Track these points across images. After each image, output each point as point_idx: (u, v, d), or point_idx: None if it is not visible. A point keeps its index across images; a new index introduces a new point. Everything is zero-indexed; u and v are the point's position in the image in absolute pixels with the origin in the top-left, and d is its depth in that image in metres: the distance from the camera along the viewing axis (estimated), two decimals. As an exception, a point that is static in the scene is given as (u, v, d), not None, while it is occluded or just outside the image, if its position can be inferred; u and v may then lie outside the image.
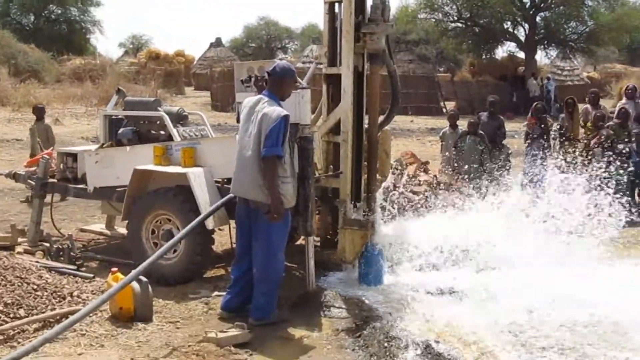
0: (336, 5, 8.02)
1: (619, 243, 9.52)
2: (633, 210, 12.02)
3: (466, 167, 12.31)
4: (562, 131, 13.37)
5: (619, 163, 11.72)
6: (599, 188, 9.36)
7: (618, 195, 10.13)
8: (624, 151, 11.92)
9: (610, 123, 12.88)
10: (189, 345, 6.20)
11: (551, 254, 8.72)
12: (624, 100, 14.17)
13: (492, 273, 8.55)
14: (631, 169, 11.95)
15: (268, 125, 6.42)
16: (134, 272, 6.48)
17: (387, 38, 8.04)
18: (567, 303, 7.49)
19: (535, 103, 13.87)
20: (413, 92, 35.84)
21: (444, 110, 36.16)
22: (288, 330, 6.70)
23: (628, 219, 11.45)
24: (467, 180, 12.30)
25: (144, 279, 6.73)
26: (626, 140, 12.54)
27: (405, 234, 8.34)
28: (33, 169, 9.54)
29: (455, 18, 42.36)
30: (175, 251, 7.80)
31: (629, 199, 11.88)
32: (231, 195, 7.18)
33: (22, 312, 6.52)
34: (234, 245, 7.40)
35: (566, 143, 12.92)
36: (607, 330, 6.70)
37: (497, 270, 8.65)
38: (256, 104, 6.70)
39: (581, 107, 14.24)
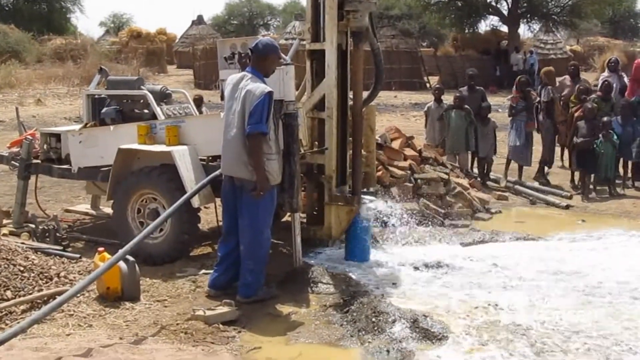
0: (319, -20, 7.98)
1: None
2: (617, 182, 12.17)
3: (452, 141, 12.35)
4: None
5: (602, 136, 11.80)
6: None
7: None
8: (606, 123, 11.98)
9: (593, 96, 12.92)
10: (177, 324, 6.21)
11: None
12: (606, 73, 14.21)
13: (478, 248, 8.62)
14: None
15: (252, 102, 6.40)
16: (120, 251, 6.46)
17: (370, 15, 8.02)
18: (552, 276, 7.58)
19: (519, 77, 13.83)
20: (396, 68, 35.78)
21: (428, 85, 36.15)
22: (276, 306, 6.73)
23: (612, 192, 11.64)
24: (453, 154, 12.35)
25: (130, 258, 6.72)
26: (609, 112, 12.59)
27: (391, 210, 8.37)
28: (16, 149, 9.47)
29: (438, -8, 42.23)
30: (161, 230, 7.78)
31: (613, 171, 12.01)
32: (217, 172, 7.17)
33: (9, 293, 6.50)
34: (220, 223, 7.40)
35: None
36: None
37: (483, 245, 8.72)
38: (240, 81, 6.67)
39: (559, 79, 14.30)
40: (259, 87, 6.47)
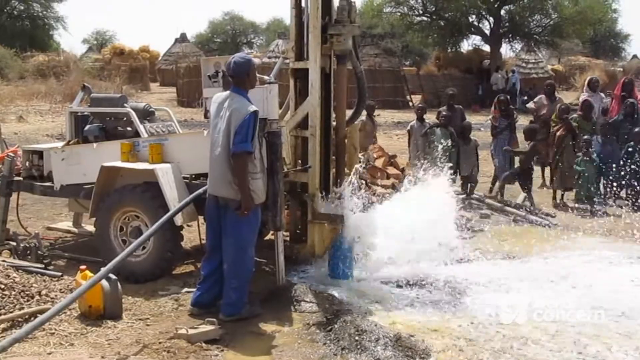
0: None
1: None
2: (598, 200, 12.25)
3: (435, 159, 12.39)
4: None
5: (583, 155, 11.90)
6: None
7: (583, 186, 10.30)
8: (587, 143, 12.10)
9: (574, 115, 13.04)
10: (160, 342, 6.18)
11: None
12: (587, 93, 14.32)
13: (462, 266, 8.63)
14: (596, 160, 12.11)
15: (237, 121, 6.41)
16: (103, 269, 6.44)
17: (353, 39, 8.08)
18: (535, 294, 7.60)
19: (498, 96, 14.00)
20: (379, 86, 35.86)
21: (411, 104, 36.28)
22: (259, 325, 6.71)
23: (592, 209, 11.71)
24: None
25: (113, 276, 6.70)
26: (591, 131, 12.71)
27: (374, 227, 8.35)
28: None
29: (421, 12, 42.42)
30: (144, 248, 7.76)
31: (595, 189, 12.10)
32: (200, 190, 7.17)
33: (-11, 312, 6.47)
34: (203, 241, 7.38)
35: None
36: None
37: (465, 263, 8.73)
38: (225, 100, 6.69)
39: (535, 99, 14.46)
40: (244, 106, 6.48)
